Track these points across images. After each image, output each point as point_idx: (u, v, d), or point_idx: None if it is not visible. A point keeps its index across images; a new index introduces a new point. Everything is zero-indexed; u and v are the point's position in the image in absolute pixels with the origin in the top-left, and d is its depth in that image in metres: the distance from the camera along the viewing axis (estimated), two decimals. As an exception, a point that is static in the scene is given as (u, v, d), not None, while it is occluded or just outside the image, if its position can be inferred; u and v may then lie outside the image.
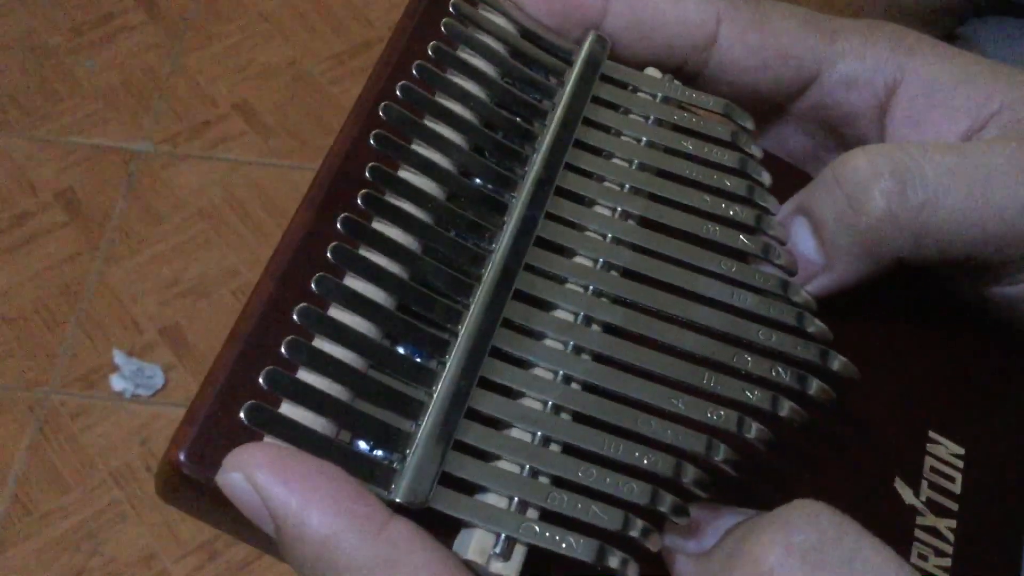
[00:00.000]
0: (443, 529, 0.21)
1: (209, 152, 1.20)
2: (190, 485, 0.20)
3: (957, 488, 0.27)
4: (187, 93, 1.25)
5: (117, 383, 1.05)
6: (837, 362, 0.24)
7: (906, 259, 0.26)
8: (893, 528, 0.25)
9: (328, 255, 0.21)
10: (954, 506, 0.26)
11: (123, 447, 1.02)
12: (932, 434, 0.27)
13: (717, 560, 0.21)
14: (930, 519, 0.26)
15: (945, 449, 0.27)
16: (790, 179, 0.29)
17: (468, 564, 0.21)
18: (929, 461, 0.27)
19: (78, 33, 1.29)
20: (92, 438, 1.02)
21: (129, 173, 1.18)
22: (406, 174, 0.23)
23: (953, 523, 0.26)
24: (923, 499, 0.26)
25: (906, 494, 0.26)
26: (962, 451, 0.27)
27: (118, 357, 1.06)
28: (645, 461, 0.22)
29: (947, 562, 0.25)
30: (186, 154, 1.20)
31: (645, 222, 0.25)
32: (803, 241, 0.26)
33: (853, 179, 0.25)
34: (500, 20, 0.26)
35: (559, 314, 0.23)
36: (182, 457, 0.20)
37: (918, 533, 0.26)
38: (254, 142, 1.21)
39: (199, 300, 1.11)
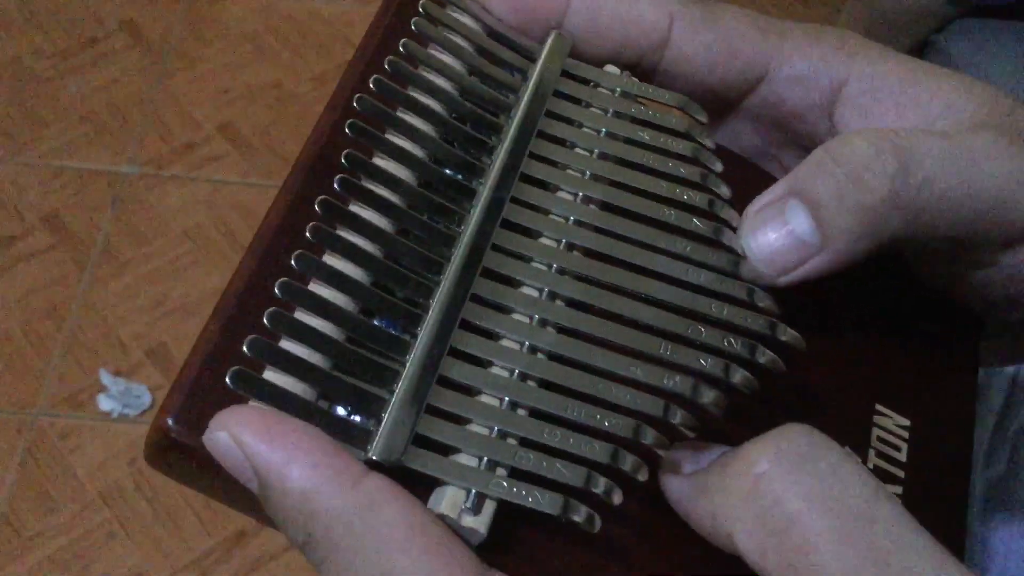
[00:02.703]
0: (418, 489, 0.22)
1: (194, 173, 1.22)
2: (179, 448, 0.22)
3: (903, 457, 0.28)
4: (171, 115, 1.26)
5: (104, 403, 1.05)
6: (786, 333, 0.26)
7: (899, 238, 0.26)
8: None
9: (307, 234, 0.23)
10: (900, 473, 0.28)
11: (111, 467, 1.03)
12: (879, 407, 0.29)
13: (711, 472, 0.23)
14: None
15: (891, 421, 0.29)
16: (740, 171, 0.30)
17: (441, 519, 0.22)
18: (876, 432, 0.28)
19: (62, 58, 1.30)
20: (80, 458, 1.03)
21: (114, 195, 1.19)
22: (380, 161, 0.25)
23: (899, 489, 0.28)
24: (871, 466, 0.27)
25: None
26: (908, 423, 0.29)
27: (105, 377, 1.06)
28: (606, 423, 0.23)
29: None
30: (171, 176, 1.22)
31: (605, 206, 0.26)
32: (799, 223, 0.26)
33: (855, 159, 0.26)
34: (467, 20, 0.28)
35: (525, 290, 0.25)
36: (170, 422, 0.21)
37: None
38: (238, 163, 1.23)
39: (185, 320, 1.12)
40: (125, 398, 1.06)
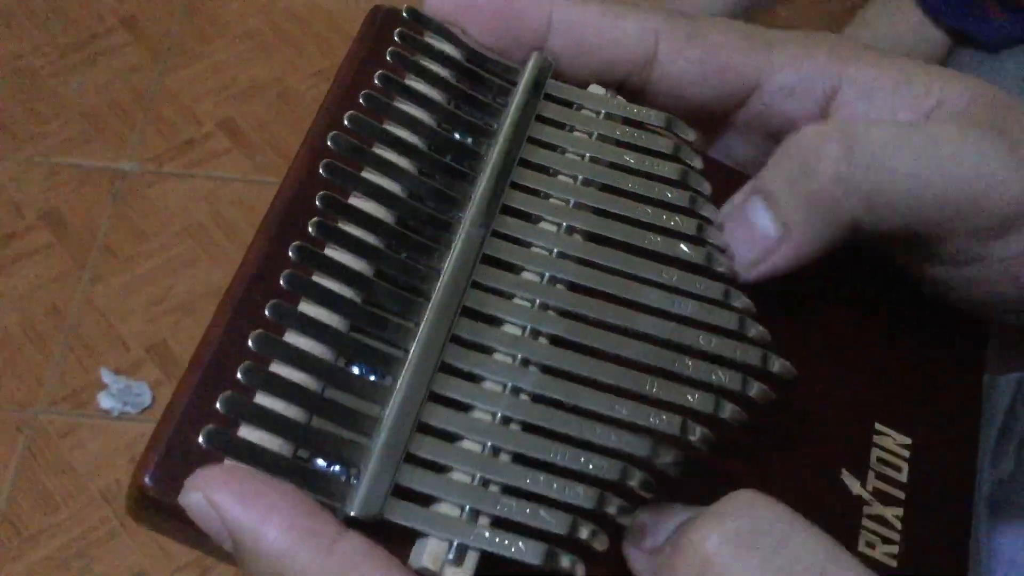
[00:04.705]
0: (400, 540, 0.22)
1: (194, 170, 1.21)
2: (155, 506, 0.21)
3: (904, 477, 0.27)
4: (171, 112, 1.25)
5: (105, 401, 1.05)
6: (777, 364, 0.25)
7: (861, 225, 0.26)
8: (840, 518, 0.26)
9: (281, 282, 0.22)
10: (901, 495, 0.27)
11: (112, 465, 1.03)
12: (878, 426, 0.28)
13: (665, 553, 0.23)
14: (877, 508, 0.27)
15: (892, 440, 0.28)
16: (734, 184, 0.29)
17: (423, 572, 0.21)
18: (876, 452, 0.28)
19: (62, 55, 1.30)
20: (81, 457, 1.03)
21: (114, 192, 1.19)
22: (356, 201, 0.24)
23: (900, 511, 0.27)
24: (870, 489, 0.27)
25: (853, 485, 0.27)
26: (908, 441, 0.28)
27: (106, 375, 1.06)
28: (591, 466, 0.22)
29: (895, 549, 0.26)
30: (171, 173, 1.21)
31: (590, 236, 0.26)
32: (759, 217, 0.26)
33: (802, 146, 0.26)
34: (446, 46, 0.27)
35: (507, 328, 0.24)
36: (147, 480, 0.21)
37: (865, 522, 0.26)
38: (239, 160, 1.22)
39: (186, 317, 1.11)
40: (126, 396, 1.06)
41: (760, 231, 0.26)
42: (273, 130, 1.25)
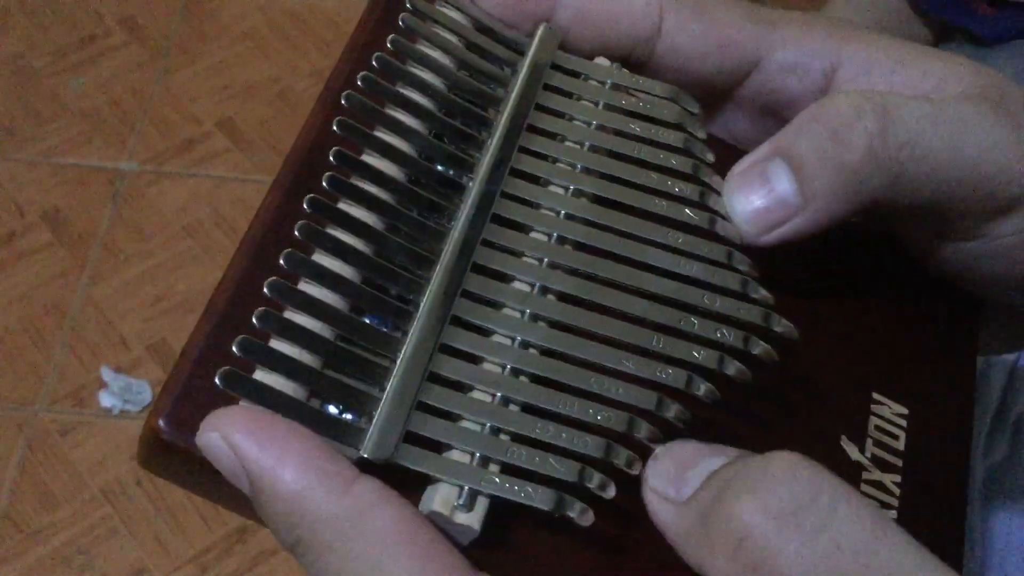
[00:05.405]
0: (411, 487, 0.22)
1: (194, 170, 1.22)
2: (170, 450, 0.21)
3: (901, 445, 0.28)
4: (171, 112, 1.26)
5: (105, 399, 1.05)
6: (779, 325, 0.26)
7: (880, 201, 0.26)
8: None
9: (296, 233, 0.23)
10: (898, 462, 0.28)
11: (112, 463, 1.03)
12: (876, 395, 0.29)
13: (695, 513, 0.22)
14: (875, 474, 0.27)
15: (889, 409, 0.29)
16: (734, 160, 0.30)
17: (434, 516, 0.22)
18: (874, 420, 0.28)
19: (62, 55, 1.30)
20: (81, 454, 1.03)
21: (114, 192, 1.19)
22: (369, 158, 0.25)
23: (898, 477, 0.28)
24: (868, 455, 0.28)
25: (852, 451, 0.27)
26: (905, 411, 0.29)
27: (106, 374, 1.06)
28: (599, 417, 0.23)
29: (893, 514, 0.27)
30: (171, 172, 1.21)
31: (596, 199, 0.26)
32: (780, 182, 0.26)
33: (836, 117, 0.26)
34: (456, 15, 0.28)
35: (516, 285, 0.25)
36: (162, 424, 0.21)
37: (864, 487, 0.27)
38: (238, 159, 1.23)
39: (186, 316, 1.12)
40: (126, 394, 1.06)
41: (779, 195, 0.26)
42: (272, 129, 1.25)
